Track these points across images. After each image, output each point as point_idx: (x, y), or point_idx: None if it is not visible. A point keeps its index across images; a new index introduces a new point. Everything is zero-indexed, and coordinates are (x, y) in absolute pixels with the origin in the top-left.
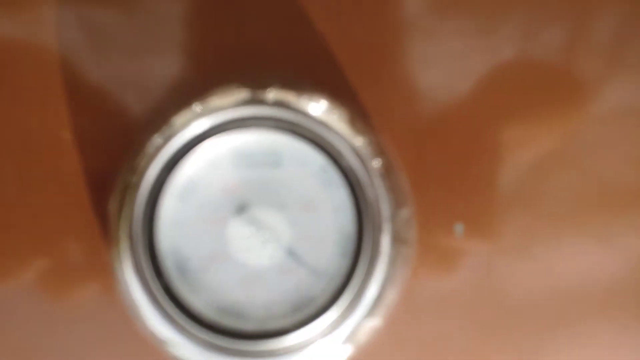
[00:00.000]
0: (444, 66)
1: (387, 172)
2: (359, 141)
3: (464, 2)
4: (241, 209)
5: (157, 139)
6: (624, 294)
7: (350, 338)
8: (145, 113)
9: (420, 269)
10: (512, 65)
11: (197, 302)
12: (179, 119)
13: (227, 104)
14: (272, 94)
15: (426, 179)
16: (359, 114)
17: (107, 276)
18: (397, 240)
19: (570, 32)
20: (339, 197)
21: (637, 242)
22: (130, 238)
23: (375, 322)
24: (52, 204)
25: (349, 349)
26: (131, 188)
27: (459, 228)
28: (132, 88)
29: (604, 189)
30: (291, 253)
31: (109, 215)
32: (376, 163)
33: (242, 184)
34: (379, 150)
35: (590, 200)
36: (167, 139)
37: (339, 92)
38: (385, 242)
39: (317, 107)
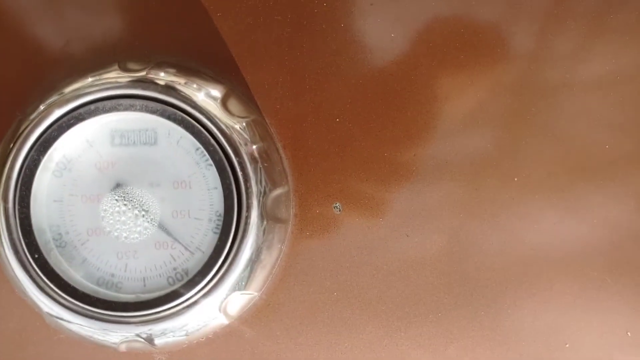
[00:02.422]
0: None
1: (265, 153)
2: (233, 124)
3: None
4: (116, 186)
5: (27, 121)
6: (585, 258)
7: (222, 308)
8: (24, 90)
9: (297, 244)
10: (479, 28)
11: (76, 275)
12: (48, 100)
13: (106, 83)
14: (152, 74)
15: (306, 158)
16: (242, 95)
17: None
18: (269, 217)
19: (552, 2)
20: (212, 176)
21: (603, 208)
22: (5, 216)
23: (248, 295)
24: None
25: (222, 318)
26: (3, 170)
27: (337, 206)
28: (11, 64)
29: (575, 157)
30: (163, 228)
31: None
32: (250, 145)
33: (117, 162)
34: (258, 131)
35: (561, 168)
36: (35, 122)
37: (222, 68)
38: (253, 221)
39: (196, 89)
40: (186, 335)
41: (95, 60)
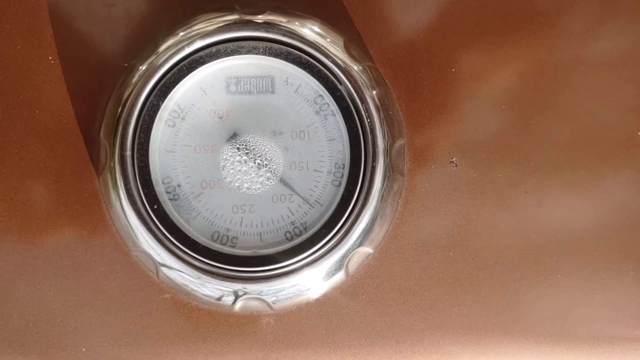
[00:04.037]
0: None
1: (384, 101)
2: (355, 68)
3: None
4: (233, 135)
5: (144, 66)
6: (599, 242)
7: (342, 266)
8: (131, 39)
9: (412, 201)
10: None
11: (191, 227)
12: (165, 45)
13: (215, 26)
14: (263, 16)
15: (421, 111)
16: (354, 39)
17: (95, 203)
18: (392, 171)
19: None
20: (332, 125)
21: (618, 191)
22: (122, 165)
23: (366, 251)
24: (38, 130)
25: (340, 276)
26: (121, 116)
27: (453, 161)
28: (115, 13)
29: (591, 138)
30: (284, 181)
31: (99, 143)
32: (373, 92)
33: (232, 110)
34: (375, 78)
35: (578, 148)
36: (154, 66)
37: (334, 15)
38: (380, 172)
39: (312, 31)
40: (297, 295)
41: (210, 4)
